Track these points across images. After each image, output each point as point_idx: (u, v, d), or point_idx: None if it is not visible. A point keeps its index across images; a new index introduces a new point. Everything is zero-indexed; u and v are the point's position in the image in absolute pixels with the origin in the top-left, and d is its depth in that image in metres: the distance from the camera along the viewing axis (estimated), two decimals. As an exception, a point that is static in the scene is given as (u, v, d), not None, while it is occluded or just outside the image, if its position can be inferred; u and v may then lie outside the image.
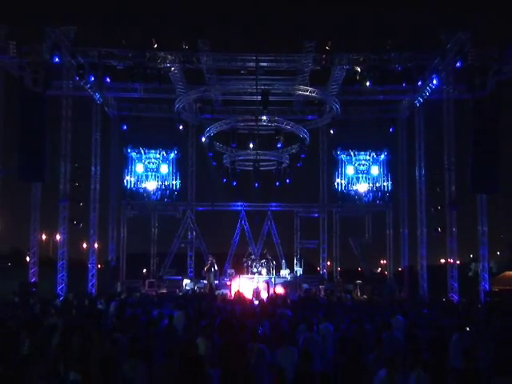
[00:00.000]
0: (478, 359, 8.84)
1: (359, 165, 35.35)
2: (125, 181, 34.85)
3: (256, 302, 21.84)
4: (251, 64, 27.19)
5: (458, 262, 29.40)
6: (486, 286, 27.69)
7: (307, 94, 30.21)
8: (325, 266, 36.30)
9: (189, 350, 9.55)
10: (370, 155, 35.34)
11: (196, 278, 33.52)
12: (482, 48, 25.74)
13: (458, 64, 25.18)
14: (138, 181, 35.03)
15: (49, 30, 25.18)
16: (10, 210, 30.58)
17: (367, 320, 14.46)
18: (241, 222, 35.49)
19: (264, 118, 30.78)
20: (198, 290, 30.04)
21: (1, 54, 25.80)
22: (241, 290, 26.80)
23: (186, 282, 32.38)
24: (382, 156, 35.29)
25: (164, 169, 35.18)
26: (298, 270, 33.49)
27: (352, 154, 35.27)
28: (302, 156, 34.16)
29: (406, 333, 12.83)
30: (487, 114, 25.53)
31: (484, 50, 25.75)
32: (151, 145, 35.25)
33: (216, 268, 32.07)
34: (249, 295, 25.87)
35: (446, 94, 28.42)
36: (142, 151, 35.11)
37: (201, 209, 36.19)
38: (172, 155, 35.29)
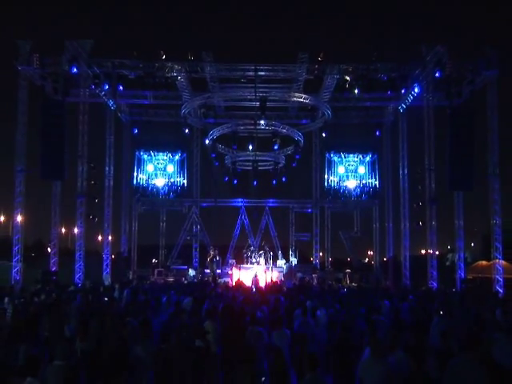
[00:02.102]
0: (452, 339, 8.89)
1: (348, 165, 35.47)
2: (138, 178, 35.01)
3: (255, 290, 21.85)
4: (250, 73, 27.18)
5: (436, 253, 29.54)
6: (462, 274, 27.80)
7: (301, 100, 30.21)
8: (317, 256, 36.29)
9: (196, 333, 9.60)
10: (357, 157, 35.49)
11: (200, 267, 33.66)
12: (457, 60, 25.83)
13: (436, 74, 25.25)
14: (148, 178, 35.27)
15: (68, 44, 25.23)
16: (33, 205, 30.59)
17: (355, 305, 14.51)
18: (241, 216, 35.51)
19: (262, 122, 30.72)
20: (201, 278, 30.28)
21: (25, 66, 25.84)
22: (241, 279, 26.83)
23: (190, 271, 32.44)
24: (368, 158, 35.41)
25: (170, 168, 35.41)
26: (293, 261, 33.55)
27: (343, 155, 35.41)
28: (297, 157, 34.10)
29: (390, 316, 12.88)
30: (462, 119, 25.56)
31: (459, 62, 25.85)
32: (159, 147, 35.37)
33: (218, 258, 32.15)
34: (248, 283, 25.90)
35: (427, 102, 28.43)
36: (152, 153, 35.34)
37: (205, 205, 36.17)
38: (177, 157, 35.48)
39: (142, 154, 35.26)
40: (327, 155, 35.44)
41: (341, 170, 35.32)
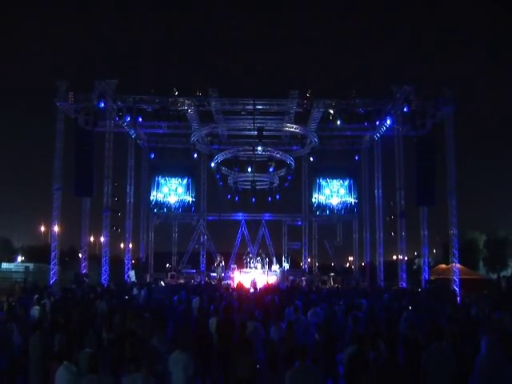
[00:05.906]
0: (418, 331, 8.97)
1: (332, 187, 35.54)
2: (156, 196, 35.15)
3: (252, 291, 21.81)
4: (249, 107, 27.35)
5: (405, 258, 29.57)
6: (426, 276, 27.77)
7: (292, 130, 30.34)
8: (306, 262, 36.16)
9: (201, 327, 9.66)
10: (338, 181, 35.70)
11: (207, 271, 33.63)
12: (421, 98, 26.09)
13: (404, 109, 25.46)
14: (164, 196, 35.37)
15: (96, 83, 25.46)
16: (67, 217, 30.53)
17: (337, 303, 14.53)
18: (241, 228, 35.43)
19: (259, 148, 30.81)
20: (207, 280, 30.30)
21: (62, 102, 26.11)
22: (241, 281, 26.75)
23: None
24: (346, 182, 35.60)
25: (180, 190, 35.49)
26: (286, 266, 33.44)
27: (328, 180, 35.58)
28: (289, 178, 34.27)
29: (367, 312, 12.91)
30: (426, 147, 25.82)
31: (423, 99, 26.10)
32: (172, 173, 35.54)
33: (223, 264, 32.14)
34: (247, 285, 25.82)
35: (397, 132, 28.68)
36: (167, 178, 35.58)
37: (211, 218, 36.10)
38: (185, 181, 35.59)
39: (159, 178, 35.59)
40: (317, 180, 35.58)
41: (327, 191, 35.49)
